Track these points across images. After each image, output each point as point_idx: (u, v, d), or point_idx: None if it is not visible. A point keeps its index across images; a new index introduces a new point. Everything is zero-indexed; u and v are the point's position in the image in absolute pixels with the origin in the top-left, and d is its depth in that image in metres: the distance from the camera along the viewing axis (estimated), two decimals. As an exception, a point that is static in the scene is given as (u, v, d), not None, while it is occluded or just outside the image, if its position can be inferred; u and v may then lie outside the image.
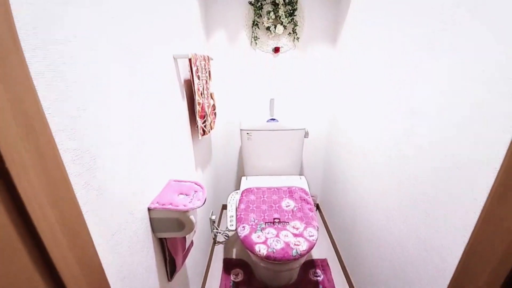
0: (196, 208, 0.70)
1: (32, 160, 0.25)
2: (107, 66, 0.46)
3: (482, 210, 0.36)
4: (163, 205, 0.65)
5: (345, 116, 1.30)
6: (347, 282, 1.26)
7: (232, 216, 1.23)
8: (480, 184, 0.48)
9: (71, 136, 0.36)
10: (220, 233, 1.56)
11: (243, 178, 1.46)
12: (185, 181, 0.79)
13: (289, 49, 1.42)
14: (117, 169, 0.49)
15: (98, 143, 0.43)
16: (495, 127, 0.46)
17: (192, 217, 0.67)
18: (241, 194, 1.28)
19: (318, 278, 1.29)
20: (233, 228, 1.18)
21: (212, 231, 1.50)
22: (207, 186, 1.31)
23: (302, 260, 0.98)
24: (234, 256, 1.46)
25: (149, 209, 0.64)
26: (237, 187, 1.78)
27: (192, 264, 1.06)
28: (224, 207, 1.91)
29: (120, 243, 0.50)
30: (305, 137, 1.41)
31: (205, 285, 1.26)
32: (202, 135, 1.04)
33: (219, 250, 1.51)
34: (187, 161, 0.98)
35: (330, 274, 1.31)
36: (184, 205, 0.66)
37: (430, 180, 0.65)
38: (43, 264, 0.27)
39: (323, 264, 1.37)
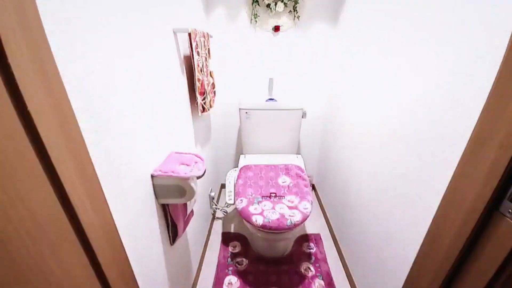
0: (196, 176, 0.74)
1: (49, 107, 0.28)
2: (107, 34, 0.47)
3: (452, 177, 0.40)
4: (165, 172, 0.69)
5: (343, 97, 1.32)
6: (338, 254, 1.35)
7: (231, 191, 1.29)
8: (454, 151, 0.52)
9: (86, 108, 0.39)
10: (219, 209, 1.63)
11: (242, 156, 1.51)
12: (186, 153, 0.83)
13: (289, 28, 1.41)
14: (122, 137, 0.52)
15: (104, 110, 0.46)
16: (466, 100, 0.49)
17: (192, 184, 0.72)
18: (239, 171, 1.33)
19: (311, 250, 1.37)
20: (232, 202, 1.24)
21: (211, 207, 1.56)
22: (206, 163, 1.36)
23: (296, 230, 1.05)
24: (232, 230, 1.53)
25: (152, 176, 0.68)
26: (236, 165, 1.83)
27: (192, 235, 1.12)
28: (223, 186, 1.98)
29: (127, 205, 0.55)
30: (302, 117, 1.44)
31: (205, 254, 1.35)
32: (202, 112, 1.07)
33: (218, 225, 1.58)
34: (187, 136, 1.02)
35: (323, 247, 1.40)
36: (185, 173, 0.70)
37: (416, 152, 0.69)
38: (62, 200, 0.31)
39: (316, 238, 1.45)
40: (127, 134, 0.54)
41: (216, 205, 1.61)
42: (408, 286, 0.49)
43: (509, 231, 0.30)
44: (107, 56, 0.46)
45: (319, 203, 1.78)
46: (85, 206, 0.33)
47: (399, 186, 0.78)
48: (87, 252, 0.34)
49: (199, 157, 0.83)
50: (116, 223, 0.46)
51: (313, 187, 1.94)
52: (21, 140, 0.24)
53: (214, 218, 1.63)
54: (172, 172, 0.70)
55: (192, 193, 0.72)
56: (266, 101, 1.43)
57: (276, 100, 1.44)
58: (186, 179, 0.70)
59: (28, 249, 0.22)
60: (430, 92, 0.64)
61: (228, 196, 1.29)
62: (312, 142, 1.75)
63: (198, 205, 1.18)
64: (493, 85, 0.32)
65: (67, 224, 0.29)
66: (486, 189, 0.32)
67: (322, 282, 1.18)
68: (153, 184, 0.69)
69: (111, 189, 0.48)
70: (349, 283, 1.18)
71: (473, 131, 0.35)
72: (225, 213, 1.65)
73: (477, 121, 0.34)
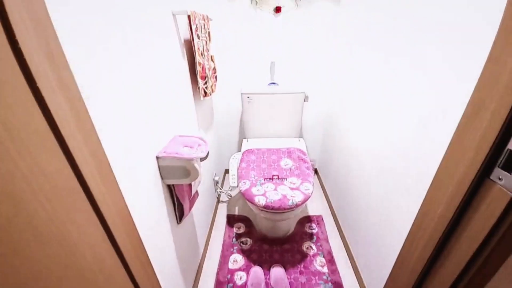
0: (199, 157, 0.76)
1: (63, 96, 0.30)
2: (104, 19, 0.48)
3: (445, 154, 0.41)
4: (169, 154, 0.72)
5: (346, 80, 1.30)
6: (339, 233, 1.39)
7: (234, 175, 1.32)
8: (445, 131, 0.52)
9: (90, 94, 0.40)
10: (223, 192, 1.68)
11: (244, 140, 1.53)
12: (189, 136, 0.85)
13: (291, 9, 1.37)
14: (126, 119, 0.53)
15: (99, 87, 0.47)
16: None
17: (196, 165, 0.74)
18: (242, 155, 1.36)
19: (313, 230, 1.42)
20: (235, 184, 1.28)
21: (216, 191, 1.61)
22: (209, 148, 1.38)
23: (298, 210, 1.08)
24: (236, 213, 1.58)
25: (157, 158, 0.71)
26: (239, 150, 1.86)
27: (198, 216, 1.17)
28: (227, 171, 2.02)
29: (134, 185, 0.57)
30: (305, 101, 1.43)
31: (211, 234, 1.40)
32: (204, 96, 1.07)
33: (222, 208, 1.64)
34: (190, 121, 1.03)
35: (324, 227, 1.44)
36: (189, 155, 0.72)
37: (414, 129, 0.70)
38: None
39: (318, 220, 1.50)
40: (130, 117, 0.55)
41: (220, 189, 1.65)
42: (402, 256, 0.51)
43: (498, 196, 0.31)
44: (106, 39, 0.47)
45: (321, 187, 1.81)
46: (96, 179, 0.36)
47: (398, 165, 0.79)
48: (101, 222, 0.36)
49: (202, 140, 0.85)
50: (125, 199, 0.48)
51: (316, 172, 1.97)
52: (35, 115, 0.25)
53: (218, 201, 1.68)
54: (176, 153, 0.72)
55: (196, 173, 0.75)
56: (268, 85, 1.42)
57: (278, 84, 1.43)
58: (190, 160, 0.72)
59: (46, 210, 0.25)
60: (430, 74, 0.64)
61: (232, 179, 1.32)
62: (315, 126, 1.75)
63: (203, 188, 1.22)
64: (488, 55, 0.32)
65: (81, 193, 0.31)
66: (477, 158, 0.33)
67: (323, 260, 1.23)
68: (158, 166, 0.72)
69: (119, 169, 0.50)
70: (349, 260, 1.23)
71: (468, 103, 0.36)
72: (229, 197, 1.70)
73: (472, 92, 0.34)
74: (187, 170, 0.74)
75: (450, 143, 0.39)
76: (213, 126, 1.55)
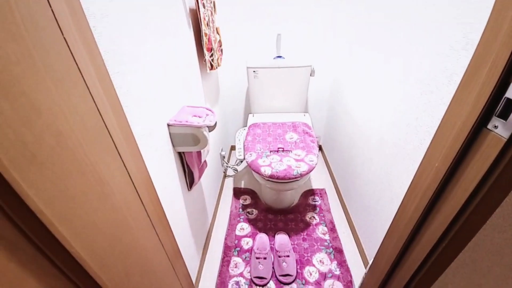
0: (207, 126, 0.79)
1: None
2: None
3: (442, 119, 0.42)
4: (179, 122, 0.75)
5: (353, 53, 1.28)
6: (341, 205, 1.45)
7: (240, 148, 1.36)
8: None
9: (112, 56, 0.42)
10: (229, 167, 1.73)
11: (250, 115, 1.55)
12: (197, 107, 0.88)
13: (299, -24, 1.31)
14: (138, 87, 0.56)
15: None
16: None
17: (205, 133, 0.77)
18: (248, 128, 1.38)
19: (316, 202, 1.48)
20: (241, 157, 1.32)
21: (222, 166, 1.66)
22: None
23: (302, 181, 1.12)
24: (242, 186, 1.65)
25: (168, 125, 0.74)
26: (245, 125, 1.88)
27: (207, 187, 1.23)
28: (233, 148, 2.06)
29: (150, 149, 0.61)
30: (311, 75, 1.42)
31: (218, 205, 1.48)
32: (210, 69, 1.08)
33: (229, 182, 1.70)
34: (197, 93, 1.05)
35: (327, 200, 1.50)
36: (198, 123, 0.75)
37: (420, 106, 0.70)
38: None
39: (321, 192, 1.55)
40: (142, 84, 0.58)
41: (227, 163, 1.70)
42: (399, 213, 0.55)
43: (493, 142, 0.33)
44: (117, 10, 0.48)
45: (325, 163, 1.84)
46: (118, 132, 0.39)
47: (400, 135, 0.81)
48: (126, 169, 0.40)
49: (210, 110, 0.87)
50: (143, 158, 0.52)
51: (320, 148, 1.99)
52: (67, 57, 0.28)
53: (225, 176, 1.74)
54: (186, 121, 0.75)
55: (205, 141, 0.78)
56: (274, 58, 1.40)
57: (284, 58, 1.41)
58: (199, 128, 0.75)
59: (82, 146, 0.28)
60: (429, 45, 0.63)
61: (238, 152, 1.36)
62: (320, 101, 1.75)
63: (210, 161, 1.27)
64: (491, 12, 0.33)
65: (109, 139, 0.35)
66: (475, 109, 0.34)
67: (325, 228, 1.30)
68: (170, 133, 0.75)
69: (136, 133, 0.53)
70: (350, 228, 1.29)
71: (469, 62, 0.36)
72: (235, 171, 1.76)
73: (474, 50, 0.35)
74: (197, 137, 0.77)
75: (450, 103, 0.41)
76: (219, 101, 1.56)
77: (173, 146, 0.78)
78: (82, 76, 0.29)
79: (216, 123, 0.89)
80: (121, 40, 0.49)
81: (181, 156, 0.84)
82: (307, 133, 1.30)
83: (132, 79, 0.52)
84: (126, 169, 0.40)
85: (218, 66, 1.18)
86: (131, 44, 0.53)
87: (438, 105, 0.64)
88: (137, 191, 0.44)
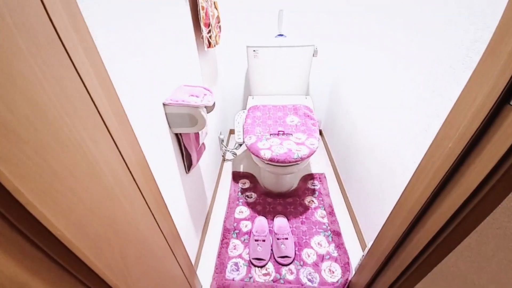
0: (205, 106, 0.76)
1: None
2: None
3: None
4: (176, 101, 0.71)
5: (355, 32, 1.21)
6: (340, 190, 1.45)
7: (240, 132, 1.32)
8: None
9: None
10: (228, 151, 1.71)
11: (250, 97, 1.50)
12: (195, 86, 0.83)
13: None
14: (132, 64, 0.51)
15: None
16: None
17: (203, 113, 0.74)
18: (248, 111, 1.34)
19: (315, 187, 1.47)
20: (241, 140, 1.29)
21: (221, 149, 1.64)
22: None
23: (302, 164, 1.11)
24: (241, 170, 1.64)
25: (164, 105, 0.70)
26: (244, 108, 1.83)
27: (205, 170, 1.21)
28: (232, 131, 2.03)
29: (143, 128, 0.58)
30: (314, 55, 1.35)
31: (217, 188, 1.47)
32: (208, 47, 1.02)
33: (228, 166, 1.68)
34: (194, 72, 1.00)
35: (326, 184, 1.49)
36: (195, 102, 0.72)
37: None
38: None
39: (321, 177, 1.54)
40: (136, 61, 0.53)
41: (225, 147, 1.68)
42: (404, 196, 0.53)
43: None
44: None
45: (325, 148, 1.82)
46: (109, 114, 0.35)
47: (406, 117, 0.78)
48: (118, 149, 0.37)
49: (208, 90, 0.83)
50: (137, 138, 0.49)
51: (320, 133, 1.96)
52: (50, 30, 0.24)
53: (224, 160, 1.72)
54: (183, 101, 0.71)
55: (203, 122, 0.75)
56: (275, 37, 1.33)
57: (285, 36, 1.34)
58: (196, 108, 0.71)
59: (65, 121, 0.25)
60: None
61: (237, 136, 1.33)
62: (322, 84, 1.69)
63: (208, 144, 1.24)
64: None
65: (97, 116, 0.32)
66: (499, 83, 0.31)
67: (324, 212, 1.31)
68: (166, 113, 0.72)
69: (129, 111, 0.50)
70: (348, 212, 1.30)
71: (496, 29, 0.32)
72: (234, 155, 1.74)
73: (503, 11, 0.31)
74: (194, 118, 0.73)
75: (470, 77, 0.37)
76: (218, 82, 1.50)
77: (170, 127, 0.75)
78: (60, 38, 0.26)
79: (214, 103, 0.86)
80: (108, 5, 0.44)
81: (178, 138, 0.81)
82: (308, 116, 1.26)
83: (121, 53, 0.48)
84: (118, 148, 0.38)
85: (217, 44, 1.12)
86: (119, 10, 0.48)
87: (450, 85, 0.61)
88: (130, 172, 0.42)
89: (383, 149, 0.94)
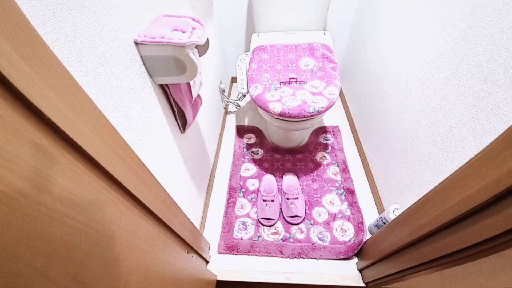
0: (195, 45, 0.55)
1: None
2: None
3: None
4: (152, 38, 0.50)
5: None
6: (356, 145, 1.31)
7: (243, 79, 1.11)
8: None
9: None
10: (231, 102, 1.52)
11: (254, 35, 1.22)
12: (179, 16, 0.60)
13: None
14: None
15: None
16: None
17: (192, 56, 0.54)
18: (252, 53, 1.10)
19: (328, 141, 1.34)
20: (244, 90, 1.10)
21: (222, 101, 1.45)
22: (211, 49, 1.11)
23: (318, 118, 0.94)
24: (246, 124, 1.48)
25: (136, 44, 0.50)
26: (248, 49, 1.56)
27: (206, 126, 1.06)
28: (233, 79, 1.79)
29: (105, 78, 0.40)
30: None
31: (220, 145, 1.36)
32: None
33: (231, 119, 1.52)
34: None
35: (340, 138, 1.35)
36: (180, 39, 0.51)
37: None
38: None
39: (335, 130, 1.39)
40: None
41: (227, 98, 1.49)
42: (477, 163, 0.38)
43: None
44: None
45: (340, 96, 1.60)
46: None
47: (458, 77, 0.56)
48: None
49: (198, 22, 0.60)
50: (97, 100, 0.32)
51: (335, 78, 1.71)
52: None
53: (226, 112, 1.55)
54: (162, 37, 0.51)
55: (194, 68, 0.55)
56: None
57: None
58: (182, 47, 0.51)
59: None
60: None
61: (240, 85, 1.13)
62: (344, 15, 1.35)
63: (207, 95, 1.05)
64: None
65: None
66: None
67: (337, 169, 1.20)
68: (141, 56, 0.53)
69: (79, 53, 0.31)
70: (364, 169, 1.20)
71: None
72: (237, 107, 1.55)
73: None
74: (181, 62, 0.54)
75: None
76: (213, 16, 1.20)
77: (150, 76, 0.56)
78: None
79: (208, 41, 0.64)
80: None
81: (165, 91, 0.63)
82: (327, 57, 1.02)
83: None
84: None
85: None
86: None
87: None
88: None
89: (421, 94, 0.74)
